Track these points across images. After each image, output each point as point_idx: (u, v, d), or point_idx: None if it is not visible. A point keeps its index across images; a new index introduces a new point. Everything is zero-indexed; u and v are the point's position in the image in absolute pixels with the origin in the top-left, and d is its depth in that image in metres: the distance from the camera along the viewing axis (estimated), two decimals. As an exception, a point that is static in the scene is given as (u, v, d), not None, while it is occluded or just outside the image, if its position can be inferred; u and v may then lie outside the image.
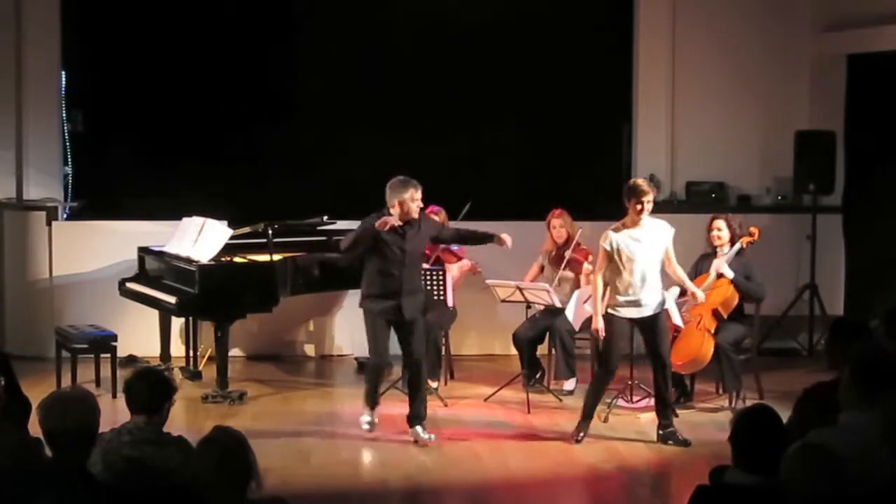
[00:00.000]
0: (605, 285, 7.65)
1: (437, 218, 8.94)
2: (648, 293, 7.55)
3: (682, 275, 7.89)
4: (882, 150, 10.18)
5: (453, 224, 8.82)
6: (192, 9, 10.52)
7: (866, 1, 10.29)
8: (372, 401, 7.90)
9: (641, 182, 7.63)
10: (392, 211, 7.55)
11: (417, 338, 7.72)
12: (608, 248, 7.54)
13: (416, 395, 7.75)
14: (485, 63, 10.58)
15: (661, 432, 7.71)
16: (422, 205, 7.64)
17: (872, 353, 4.87)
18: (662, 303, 7.69)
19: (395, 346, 9.19)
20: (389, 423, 8.13)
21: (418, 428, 7.70)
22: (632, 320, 7.63)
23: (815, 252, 10.35)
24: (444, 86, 10.57)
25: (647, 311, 7.58)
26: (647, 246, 7.53)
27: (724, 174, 10.68)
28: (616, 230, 7.57)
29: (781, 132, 10.54)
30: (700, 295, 8.00)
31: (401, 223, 7.54)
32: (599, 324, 7.65)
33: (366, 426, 7.86)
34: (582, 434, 7.73)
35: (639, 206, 7.47)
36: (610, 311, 7.62)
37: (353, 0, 10.73)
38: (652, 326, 7.63)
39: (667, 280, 7.91)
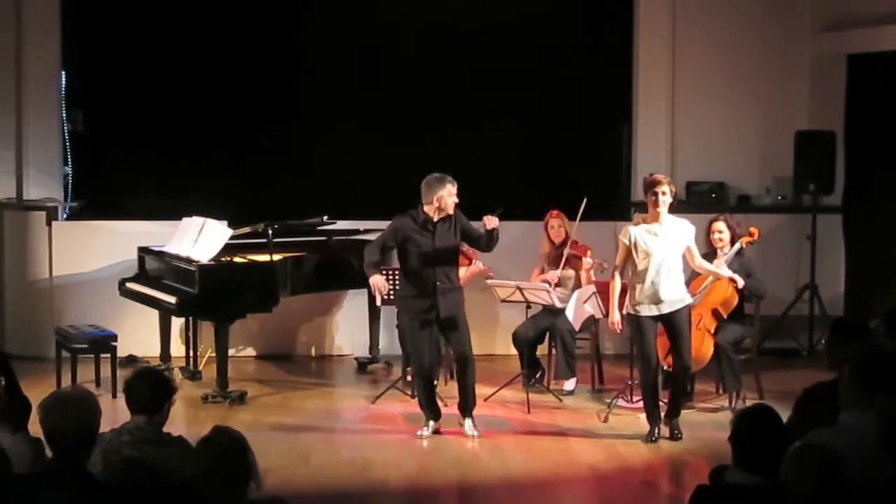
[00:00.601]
0: (623, 283, 7.70)
1: None
2: (666, 290, 7.53)
3: (708, 266, 7.99)
4: (882, 150, 10.17)
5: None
6: (192, 9, 10.52)
7: (866, 1, 10.28)
8: (430, 411, 7.83)
9: (656, 175, 7.69)
10: (427, 208, 7.61)
11: (459, 334, 7.75)
12: (626, 241, 7.56)
13: (463, 389, 7.82)
14: (485, 63, 10.58)
15: (664, 417, 7.75)
16: (457, 200, 7.64)
17: (872, 353, 4.87)
18: (684, 300, 7.65)
19: (395, 347, 9.24)
20: (389, 422, 8.13)
21: (468, 420, 7.79)
22: (654, 318, 7.62)
23: (815, 252, 10.35)
24: (444, 86, 10.57)
25: (665, 307, 7.56)
26: (664, 241, 7.51)
27: (724, 174, 10.68)
28: (635, 224, 7.62)
29: (781, 132, 10.54)
30: (738, 278, 8.08)
31: (430, 225, 7.59)
32: (615, 317, 7.72)
33: (421, 437, 7.78)
34: (656, 435, 7.71)
35: (653, 198, 7.49)
36: (631, 311, 7.64)
37: (354, 0, 10.73)
38: (671, 324, 7.62)
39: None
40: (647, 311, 7.58)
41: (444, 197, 7.58)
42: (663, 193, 7.48)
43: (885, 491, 4.14)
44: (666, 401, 8.37)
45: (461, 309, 7.79)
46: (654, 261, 7.51)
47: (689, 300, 7.73)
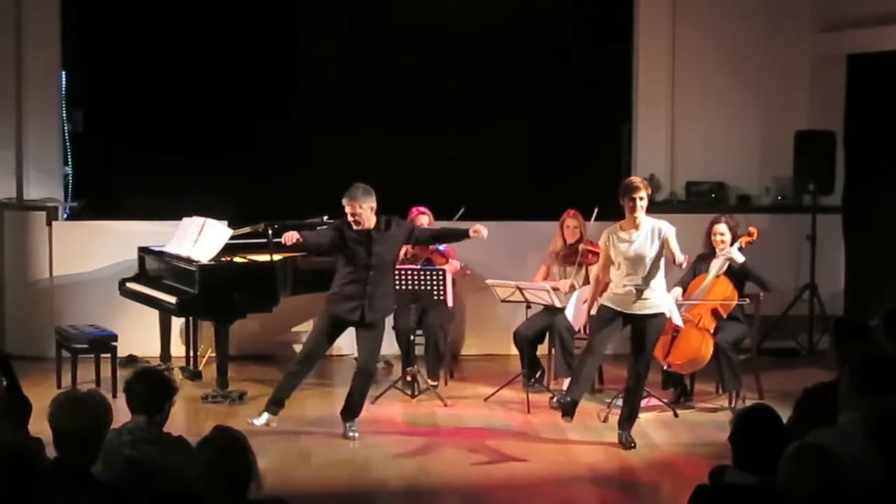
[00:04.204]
0: (605, 284, 7.67)
1: (424, 218, 9.01)
2: (640, 294, 7.47)
3: (677, 248, 7.54)
4: (882, 150, 10.18)
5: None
6: (192, 9, 10.53)
7: (866, 1, 10.29)
8: (275, 401, 7.89)
9: (633, 178, 7.62)
10: None
11: (370, 346, 7.82)
12: (602, 245, 7.60)
13: (352, 394, 7.87)
14: (485, 63, 10.58)
15: (619, 431, 7.68)
16: (362, 216, 7.61)
17: (872, 353, 4.87)
18: (659, 307, 7.56)
19: (394, 347, 9.24)
20: (389, 422, 8.14)
21: (348, 423, 7.83)
22: (620, 313, 7.54)
23: (815, 252, 10.35)
24: (445, 86, 10.57)
25: (637, 309, 7.49)
26: (638, 246, 7.46)
27: (724, 174, 10.68)
28: (612, 230, 7.57)
29: (781, 132, 10.54)
30: (679, 257, 7.54)
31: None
32: (593, 311, 7.79)
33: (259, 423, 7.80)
34: (568, 399, 7.55)
35: (631, 203, 7.43)
36: (601, 301, 7.64)
37: (354, 1, 10.73)
38: (639, 329, 7.53)
39: (670, 280, 7.94)
40: (613, 303, 7.54)
41: (347, 213, 7.67)
42: (641, 199, 7.41)
43: (883, 491, 4.14)
44: (666, 400, 8.40)
45: (383, 319, 7.89)
46: (631, 265, 7.46)
47: (665, 309, 7.63)
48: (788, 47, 10.73)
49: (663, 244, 7.45)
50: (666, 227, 7.52)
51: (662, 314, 7.61)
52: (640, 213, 7.44)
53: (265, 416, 7.84)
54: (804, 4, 10.74)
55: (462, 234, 7.95)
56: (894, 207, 10.00)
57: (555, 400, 7.70)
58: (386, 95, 10.57)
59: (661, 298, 7.59)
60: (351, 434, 7.80)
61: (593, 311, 7.81)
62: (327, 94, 10.57)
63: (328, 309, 7.86)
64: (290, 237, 7.66)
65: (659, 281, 7.54)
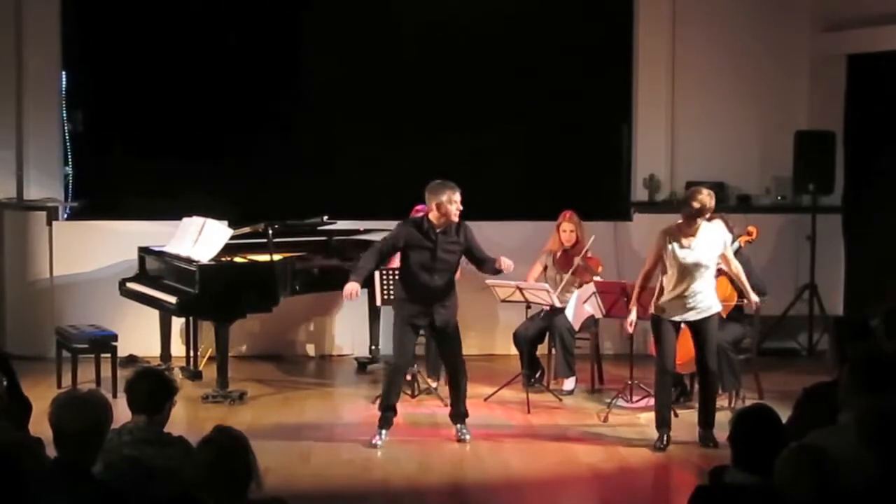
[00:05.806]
0: (652, 288, 7.60)
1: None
2: (696, 299, 7.45)
3: (744, 277, 7.73)
4: (882, 150, 10.18)
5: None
6: (192, 9, 10.52)
7: (866, 1, 10.29)
8: (385, 418, 7.70)
9: (707, 201, 7.38)
10: (431, 215, 7.58)
11: (452, 346, 7.77)
12: (661, 249, 7.47)
13: (456, 399, 7.84)
14: (485, 63, 10.57)
15: (700, 431, 7.65)
16: (461, 207, 7.59)
17: (872, 354, 4.88)
18: (712, 308, 7.55)
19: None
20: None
21: (459, 425, 7.79)
22: (678, 323, 7.55)
23: (814, 252, 10.35)
24: (445, 86, 10.56)
25: (691, 315, 7.49)
26: (697, 253, 7.42)
27: (724, 174, 10.67)
28: (670, 232, 7.48)
29: (781, 132, 10.54)
30: (755, 298, 7.78)
31: (439, 228, 7.56)
32: (632, 316, 7.64)
33: (376, 446, 7.64)
34: (665, 442, 7.60)
35: (693, 222, 7.38)
36: (657, 313, 7.56)
37: (355, 1, 10.73)
38: (698, 332, 7.55)
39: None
40: (672, 316, 7.50)
41: (444, 203, 7.52)
42: (702, 218, 7.39)
43: (881, 491, 4.14)
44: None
45: (455, 318, 7.78)
46: (686, 271, 7.42)
47: (717, 308, 7.63)
48: (788, 47, 10.73)
49: (720, 251, 7.49)
50: (725, 237, 7.58)
51: (717, 313, 7.62)
52: (700, 228, 7.43)
53: (383, 432, 7.70)
54: (804, 4, 10.74)
55: (492, 268, 7.78)
56: (894, 207, 10.00)
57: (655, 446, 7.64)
58: (386, 96, 10.56)
59: (713, 298, 7.58)
60: (465, 438, 7.71)
61: (633, 318, 7.66)
62: (327, 94, 10.56)
63: (398, 314, 7.71)
64: (350, 293, 7.58)
65: (709, 282, 7.53)
